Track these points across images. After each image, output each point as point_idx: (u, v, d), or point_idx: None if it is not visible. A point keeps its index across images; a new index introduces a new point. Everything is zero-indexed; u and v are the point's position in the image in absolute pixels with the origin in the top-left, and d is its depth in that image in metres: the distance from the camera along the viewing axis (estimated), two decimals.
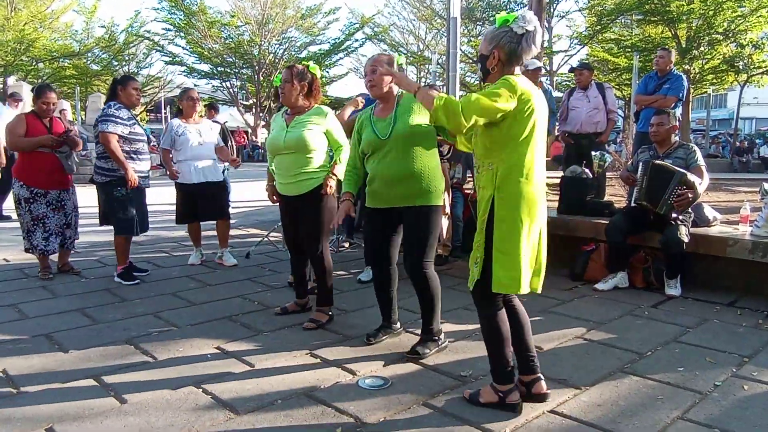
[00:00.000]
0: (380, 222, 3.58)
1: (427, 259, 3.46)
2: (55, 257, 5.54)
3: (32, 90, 5.38)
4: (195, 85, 25.44)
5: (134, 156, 5.14)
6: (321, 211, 4.00)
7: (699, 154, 4.95)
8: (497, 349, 2.78)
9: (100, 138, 4.97)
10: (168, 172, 5.82)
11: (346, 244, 6.72)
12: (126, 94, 5.15)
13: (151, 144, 8.31)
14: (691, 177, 4.68)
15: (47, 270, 5.34)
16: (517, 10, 2.98)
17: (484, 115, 2.52)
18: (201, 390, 3.03)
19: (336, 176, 4.01)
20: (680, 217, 4.78)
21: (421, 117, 3.41)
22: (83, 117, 23.23)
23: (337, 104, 31.67)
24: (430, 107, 2.62)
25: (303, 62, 4.19)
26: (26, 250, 5.40)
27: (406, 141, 3.40)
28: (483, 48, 2.69)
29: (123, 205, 5.12)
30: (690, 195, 4.66)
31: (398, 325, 3.83)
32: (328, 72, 31.11)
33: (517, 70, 2.68)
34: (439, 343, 3.56)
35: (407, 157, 3.40)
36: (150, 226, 5.50)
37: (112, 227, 5.25)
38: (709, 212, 5.23)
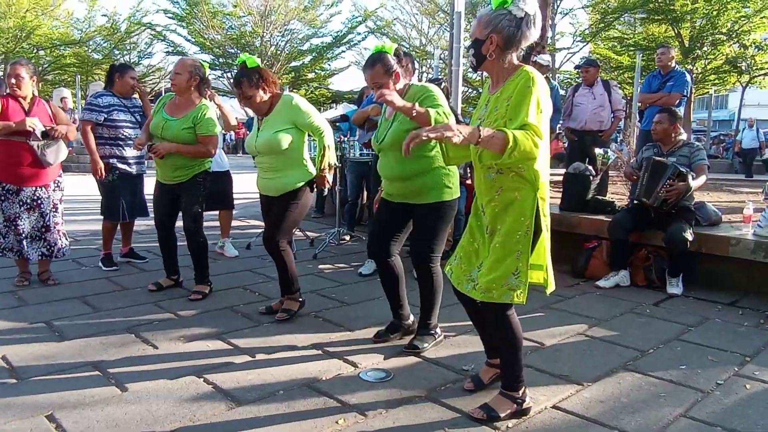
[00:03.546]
0: (388, 214, 3.53)
1: (433, 253, 3.41)
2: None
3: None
4: None
5: (112, 143, 5.11)
6: (290, 207, 3.90)
7: (703, 153, 4.94)
8: (517, 353, 2.65)
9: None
10: None
11: (347, 237, 6.71)
12: (122, 82, 5.19)
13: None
14: (684, 170, 4.70)
15: (25, 276, 4.74)
16: None
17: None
18: (202, 379, 3.02)
19: (328, 169, 3.94)
20: (674, 212, 4.78)
21: (410, 122, 3.23)
22: (83, 105, 23.15)
23: (338, 98, 31.62)
24: (501, 152, 2.27)
25: (238, 61, 3.94)
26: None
27: (399, 142, 3.23)
28: (477, 32, 2.46)
29: (110, 191, 5.16)
30: (680, 187, 4.67)
31: (410, 320, 3.67)
32: (329, 65, 31.02)
33: (515, 57, 2.48)
34: (436, 337, 3.55)
35: (402, 159, 3.28)
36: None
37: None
38: (712, 211, 5.22)
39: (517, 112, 2.34)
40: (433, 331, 3.54)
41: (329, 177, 4.03)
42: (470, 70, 26.53)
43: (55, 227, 4.75)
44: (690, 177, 4.71)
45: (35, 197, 4.62)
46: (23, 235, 4.61)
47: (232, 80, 28.29)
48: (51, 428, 2.54)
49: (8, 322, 3.84)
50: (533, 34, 2.44)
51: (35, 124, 4.42)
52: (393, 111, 3.37)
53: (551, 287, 2.60)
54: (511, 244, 2.47)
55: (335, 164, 4.01)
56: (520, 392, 2.68)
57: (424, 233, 3.41)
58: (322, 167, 3.96)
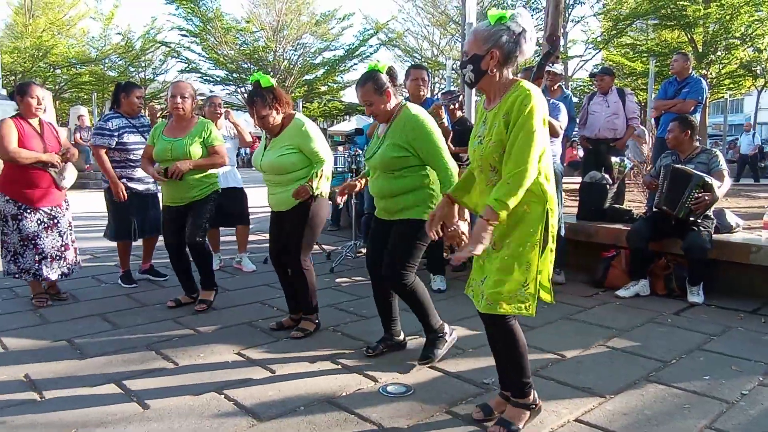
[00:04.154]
0: (380, 231, 3.52)
1: (404, 269, 3.33)
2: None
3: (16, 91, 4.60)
4: (210, 92, 25.63)
5: (126, 164, 5.13)
6: (305, 221, 3.87)
7: (721, 159, 4.89)
8: (523, 361, 2.61)
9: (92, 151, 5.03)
10: None
11: (364, 250, 6.71)
12: (128, 102, 5.19)
13: None
14: (709, 179, 4.65)
15: (42, 296, 4.73)
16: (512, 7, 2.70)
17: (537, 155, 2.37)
18: (223, 396, 3.03)
19: (312, 187, 3.78)
20: (699, 221, 4.74)
21: (399, 147, 3.26)
22: (93, 129, 23.43)
23: (351, 110, 31.75)
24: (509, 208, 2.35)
25: (251, 79, 3.94)
26: (9, 275, 4.67)
27: (386, 164, 3.31)
28: (475, 47, 2.43)
29: (121, 211, 5.15)
30: (707, 198, 4.63)
31: (401, 336, 3.68)
32: (342, 78, 31.20)
33: (510, 72, 2.47)
34: (447, 338, 3.51)
35: (388, 178, 3.34)
36: None
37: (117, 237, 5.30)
38: (731, 218, 5.17)
39: (512, 142, 2.34)
40: (441, 334, 3.50)
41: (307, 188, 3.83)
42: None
43: (72, 244, 4.83)
44: (715, 186, 4.65)
45: (52, 216, 4.66)
46: (43, 254, 4.60)
47: (245, 96, 28.62)
48: None
49: (30, 340, 3.88)
50: (529, 49, 2.43)
51: (57, 160, 4.57)
52: (385, 129, 3.38)
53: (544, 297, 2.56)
54: (520, 257, 2.45)
55: (318, 195, 3.90)
56: (531, 397, 2.66)
57: (397, 249, 3.35)
58: (309, 181, 3.79)
